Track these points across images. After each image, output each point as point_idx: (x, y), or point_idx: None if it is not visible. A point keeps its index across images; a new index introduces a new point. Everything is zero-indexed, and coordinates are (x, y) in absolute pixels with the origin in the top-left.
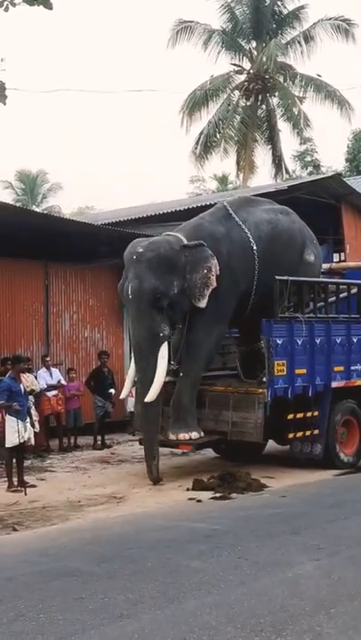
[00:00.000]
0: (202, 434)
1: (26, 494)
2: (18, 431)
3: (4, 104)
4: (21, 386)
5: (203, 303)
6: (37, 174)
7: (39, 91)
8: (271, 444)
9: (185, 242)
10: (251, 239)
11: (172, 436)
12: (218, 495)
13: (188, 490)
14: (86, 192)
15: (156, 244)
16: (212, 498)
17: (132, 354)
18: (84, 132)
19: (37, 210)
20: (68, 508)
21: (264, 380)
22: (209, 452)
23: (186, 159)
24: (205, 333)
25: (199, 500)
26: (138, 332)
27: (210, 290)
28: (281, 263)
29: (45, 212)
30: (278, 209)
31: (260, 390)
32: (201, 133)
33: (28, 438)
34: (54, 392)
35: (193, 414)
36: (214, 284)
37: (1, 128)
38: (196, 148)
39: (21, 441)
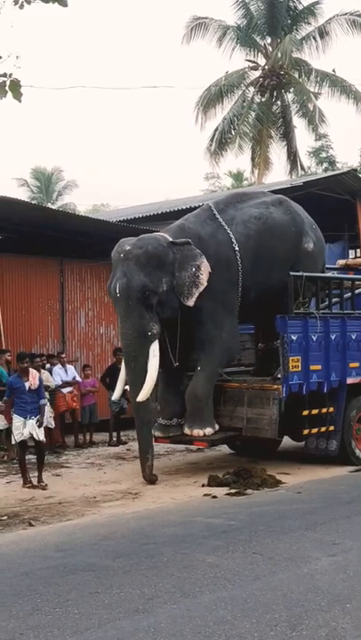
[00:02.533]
0: (217, 427)
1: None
2: (20, 428)
3: (20, 101)
4: (27, 384)
5: (191, 302)
6: (52, 172)
7: (54, 88)
8: (287, 441)
9: (171, 239)
10: (233, 240)
11: (186, 431)
12: (233, 491)
13: (203, 486)
14: (101, 189)
15: (144, 241)
16: (227, 494)
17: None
18: (99, 130)
19: (52, 207)
20: (83, 503)
21: (279, 376)
22: (224, 448)
23: (201, 156)
24: (215, 327)
25: (214, 496)
26: (127, 331)
27: (200, 289)
28: (276, 257)
29: (60, 209)
30: (270, 201)
31: (275, 386)
32: (216, 130)
33: (31, 435)
34: (69, 389)
35: (209, 408)
36: (204, 284)
37: (16, 125)
38: (210, 145)
39: (23, 438)
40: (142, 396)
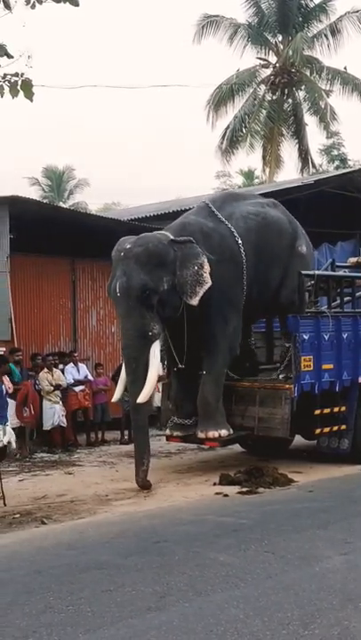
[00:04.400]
0: (231, 431)
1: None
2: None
3: (32, 101)
4: (3, 387)
5: (195, 301)
6: (64, 170)
7: (66, 87)
8: (298, 439)
9: (172, 237)
10: (235, 233)
11: (200, 435)
12: (245, 490)
13: (214, 484)
14: (112, 188)
15: (144, 240)
16: (238, 492)
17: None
18: (110, 129)
19: (64, 206)
20: (95, 501)
21: (280, 376)
22: (236, 447)
23: (212, 154)
24: (220, 326)
25: (226, 495)
26: (127, 332)
27: (205, 287)
28: (274, 254)
29: (72, 208)
30: (265, 202)
31: (287, 386)
32: (227, 128)
33: (9, 442)
34: (81, 387)
35: (221, 411)
36: (209, 282)
37: (28, 125)
38: (221, 143)
39: (1, 445)
40: (143, 397)
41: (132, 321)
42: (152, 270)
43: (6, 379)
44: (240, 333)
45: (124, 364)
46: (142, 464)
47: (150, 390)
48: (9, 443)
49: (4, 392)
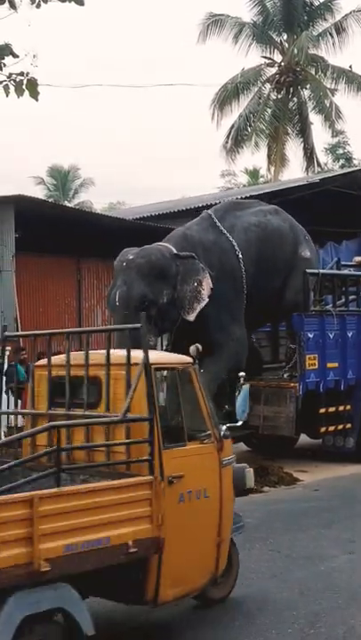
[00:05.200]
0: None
1: None
2: None
3: (37, 100)
4: None
5: (192, 317)
6: (69, 170)
7: (71, 86)
8: (303, 438)
9: (174, 251)
10: (236, 247)
11: None
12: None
13: None
14: (117, 188)
15: (147, 251)
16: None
17: None
18: (115, 128)
19: (69, 205)
20: None
21: (285, 375)
22: (241, 446)
23: (217, 153)
24: (223, 334)
25: None
26: (124, 342)
27: (201, 304)
28: (275, 263)
29: (77, 207)
30: (267, 209)
31: (292, 384)
32: (232, 127)
33: None
34: None
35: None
36: (206, 299)
37: (33, 124)
38: (226, 142)
39: None
40: None
41: (130, 332)
42: (153, 282)
43: None
44: (246, 345)
45: None
46: None
47: None
48: None
49: None
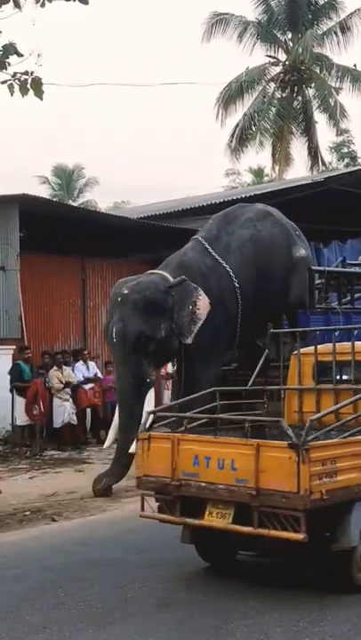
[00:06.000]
0: None
1: None
2: None
3: (42, 99)
4: None
5: (190, 339)
6: (74, 169)
7: (75, 85)
8: None
9: (171, 280)
10: (232, 274)
11: None
12: None
13: None
14: (122, 187)
15: (142, 286)
16: None
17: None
18: (119, 127)
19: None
20: (105, 499)
21: None
22: None
23: (221, 152)
24: (202, 368)
25: None
26: (123, 378)
27: (198, 325)
28: (273, 272)
29: (81, 206)
30: (255, 216)
31: None
32: (236, 126)
33: None
34: (91, 385)
35: None
36: (202, 318)
37: (38, 123)
38: (231, 141)
39: None
40: (135, 448)
41: (128, 367)
42: (149, 318)
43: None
44: (218, 373)
45: (118, 409)
46: (104, 485)
47: None
48: None
49: None
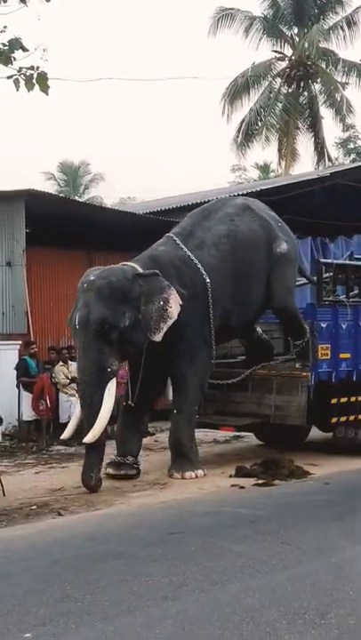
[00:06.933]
0: (205, 472)
1: (3, 494)
2: None
3: (47, 94)
4: None
5: (159, 337)
6: (79, 165)
7: (81, 80)
8: (314, 433)
9: (140, 271)
10: (202, 270)
11: (176, 475)
12: (261, 482)
13: (230, 476)
14: (127, 183)
15: (109, 272)
16: (254, 484)
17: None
18: (125, 122)
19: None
20: (112, 493)
21: (297, 364)
22: (252, 440)
23: (227, 148)
24: (189, 363)
25: (242, 487)
26: (84, 366)
27: (168, 323)
28: (253, 272)
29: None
30: (233, 212)
31: (304, 374)
32: (242, 121)
33: None
34: None
35: (194, 451)
36: (174, 317)
37: (44, 119)
38: (237, 137)
39: None
40: (90, 437)
41: (90, 355)
42: (114, 305)
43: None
44: (208, 370)
45: (79, 399)
46: (90, 478)
47: (100, 431)
48: None
49: None
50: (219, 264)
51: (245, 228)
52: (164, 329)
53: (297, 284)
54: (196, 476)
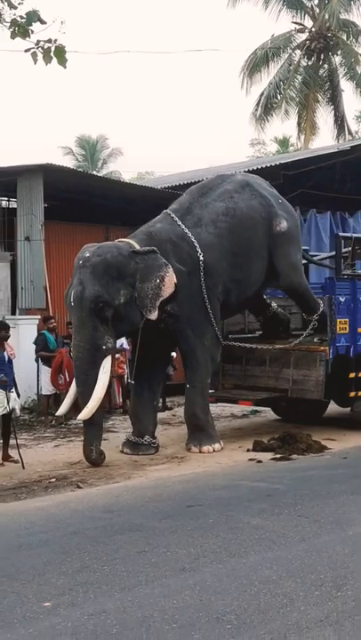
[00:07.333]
0: (222, 445)
1: (23, 467)
2: (3, 401)
3: (65, 67)
4: (5, 354)
5: (153, 315)
6: (97, 140)
7: (99, 53)
8: (332, 408)
9: (137, 247)
10: (197, 247)
11: (194, 449)
12: (278, 456)
13: (248, 451)
14: (146, 157)
15: (104, 249)
16: (272, 459)
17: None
18: (143, 96)
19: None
20: (130, 467)
21: (315, 339)
22: (269, 415)
23: (246, 122)
24: (197, 335)
25: (259, 461)
26: (79, 343)
27: (159, 301)
28: (252, 250)
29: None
30: (233, 188)
31: (322, 348)
32: (261, 95)
33: (13, 409)
34: (117, 355)
35: (211, 424)
36: (164, 296)
37: (62, 93)
38: (256, 110)
39: (6, 412)
40: (85, 414)
41: (85, 332)
42: (109, 282)
43: (9, 345)
44: (218, 345)
45: (74, 376)
46: (91, 451)
47: (95, 407)
48: (13, 409)
49: (7, 359)
50: (216, 241)
51: (244, 206)
52: (157, 307)
53: (316, 258)
54: (214, 450)
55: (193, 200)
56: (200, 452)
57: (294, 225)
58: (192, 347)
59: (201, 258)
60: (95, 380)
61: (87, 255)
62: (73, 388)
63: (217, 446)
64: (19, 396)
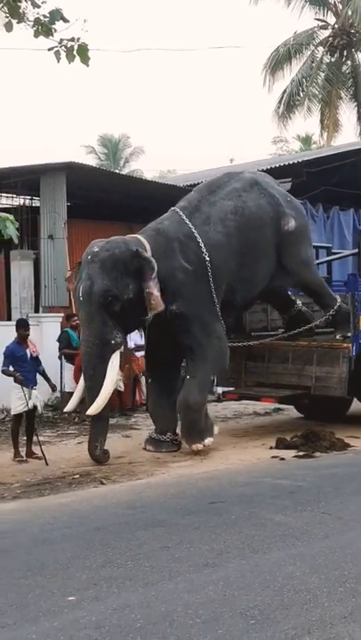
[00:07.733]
0: (215, 432)
1: (46, 463)
2: (23, 398)
3: (88, 66)
4: (27, 351)
5: (149, 315)
6: (120, 138)
7: (121, 50)
8: (355, 406)
9: (145, 244)
10: (203, 248)
11: (185, 444)
12: (301, 454)
13: (271, 448)
14: (168, 156)
15: (112, 244)
16: (295, 456)
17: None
18: (165, 94)
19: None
20: (152, 464)
21: (338, 336)
22: (292, 412)
23: (268, 119)
24: (204, 334)
25: (282, 458)
26: (87, 338)
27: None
28: (258, 246)
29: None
30: (241, 186)
31: (345, 345)
32: (284, 92)
33: (34, 407)
34: (141, 352)
35: (203, 417)
36: (157, 310)
37: (84, 91)
38: (278, 108)
39: (27, 409)
40: (93, 410)
41: (93, 327)
42: (117, 277)
43: (32, 343)
44: (227, 342)
45: (82, 371)
46: (95, 447)
47: (103, 402)
48: (35, 407)
49: (29, 356)
50: (225, 240)
51: (253, 205)
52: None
53: (337, 256)
54: (204, 446)
55: (202, 198)
56: (191, 450)
57: (302, 223)
58: (200, 342)
59: (207, 258)
60: (103, 375)
61: (96, 250)
62: (81, 384)
63: (208, 441)
64: (54, 389)
